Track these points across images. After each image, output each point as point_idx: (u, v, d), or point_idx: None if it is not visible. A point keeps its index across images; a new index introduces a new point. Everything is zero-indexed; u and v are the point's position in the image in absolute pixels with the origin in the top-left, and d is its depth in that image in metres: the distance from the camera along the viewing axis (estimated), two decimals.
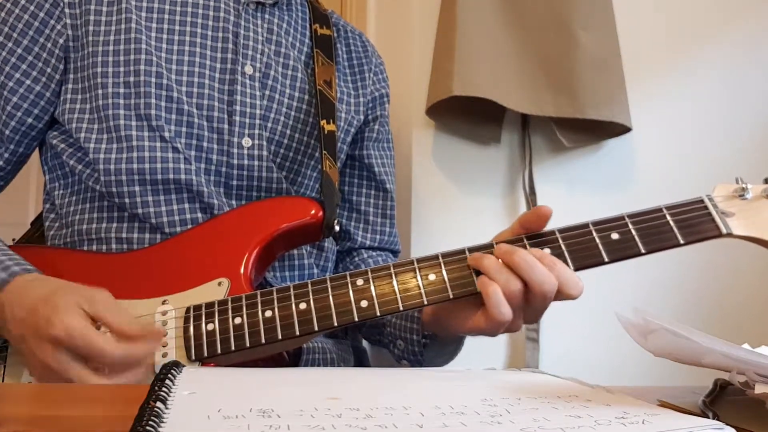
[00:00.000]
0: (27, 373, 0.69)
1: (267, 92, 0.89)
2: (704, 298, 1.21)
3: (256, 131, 0.86)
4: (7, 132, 0.85)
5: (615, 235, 0.67)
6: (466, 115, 1.21)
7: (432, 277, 0.68)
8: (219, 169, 0.85)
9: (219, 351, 0.67)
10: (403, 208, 1.23)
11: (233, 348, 0.67)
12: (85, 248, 0.83)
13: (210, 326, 0.69)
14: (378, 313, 0.67)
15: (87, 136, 0.83)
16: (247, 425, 0.35)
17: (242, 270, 0.75)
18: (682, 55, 1.25)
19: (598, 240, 0.67)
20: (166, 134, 0.82)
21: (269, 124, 0.88)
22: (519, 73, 1.16)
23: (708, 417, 0.40)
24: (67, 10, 0.84)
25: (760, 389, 0.39)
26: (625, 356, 1.11)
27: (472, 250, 0.70)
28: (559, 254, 0.68)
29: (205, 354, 0.68)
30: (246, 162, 0.85)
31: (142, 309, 0.71)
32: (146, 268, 0.77)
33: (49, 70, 0.85)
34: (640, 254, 0.67)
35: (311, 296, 0.69)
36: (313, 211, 0.80)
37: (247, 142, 0.86)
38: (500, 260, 0.66)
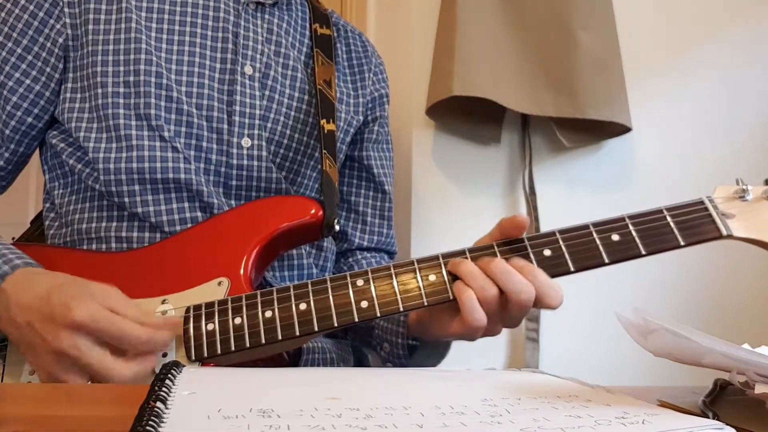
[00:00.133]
0: (27, 373, 0.69)
1: (267, 92, 0.89)
2: (704, 298, 1.21)
3: (256, 131, 0.86)
4: (7, 132, 0.85)
5: (615, 237, 0.67)
6: (466, 115, 1.21)
7: (432, 277, 0.68)
8: (218, 169, 0.85)
9: (219, 351, 0.67)
10: (403, 208, 1.23)
11: (233, 348, 0.67)
12: (85, 247, 0.83)
13: (210, 326, 0.68)
14: (378, 314, 0.67)
15: (86, 135, 0.83)
16: (247, 425, 0.35)
17: (242, 270, 0.75)
18: (682, 55, 1.25)
19: (598, 241, 0.67)
20: (166, 134, 0.82)
21: (269, 124, 0.88)
22: (519, 73, 1.16)
23: (708, 417, 0.40)
24: (66, 10, 0.84)
25: (760, 389, 0.39)
26: (625, 356, 1.11)
27: (472, 251, 0.70)
28: (559, 255, 0.68)
29: (205, 354, 0.67)
30: (245, 162, 0.85)
31: (141, 308, 0.71)
32: (146, 268, 0.77)
33: (48, 69, 0.85)
34: (640, 255, 0.67)
35: (311, 296, 0.68)
36: (313, 211, 0.80)
37: (246, 142, 0.86)
38: (478, 266, 0.67)
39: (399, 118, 1.24)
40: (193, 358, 0.67)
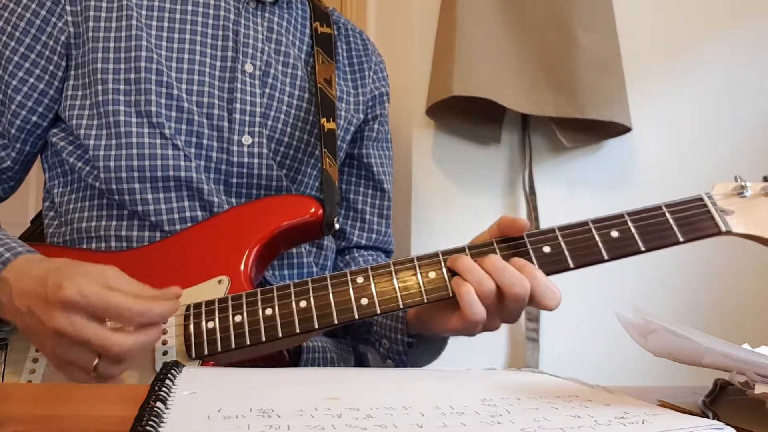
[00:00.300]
0: (27, 373, 0.69)
1: (267, 90, 0.89)
2: (704, 297, 1.21)
3: (256, 129, 0.86)
4: (12, 131, 0.85)
5: (615, 233, 0.67)
6: (466, 115, 1.21)
7: (432, 274, 0.68)
8: (219, 166, 0.85)
9: (219, 349, 0.67)
10: (403, 208, 1.23)
11: (234, 346, 0.67)
12: (85, 246, 0.83)
13: (210, 324, 0.68)
14: (378, 311, 0.67)
15: (87, 133, 0.83)
16: (247, 425, 0.35)
17: (242, 268, 0.75)
18: (682, 55, 1.25)
19: (597, 238, 0.67)
20: (167, 131, 0.82)
21: (269, 122, 0.88)
22: (519, 73, 1.16)
23: (708, 417, 0.40)
24: (68, 7, 0.84)
25: (760, 389, 0.39)
26: (625, 356, 1.12)
27: (472, 248, 0.70)
28: (558, 252, 0.68)
29: (206, 352, 0.68)
30: (246, 160, 0.85)
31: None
32: (146, 266, 0.77)
33: (51, 67, 0.85)
34: (639, 252, 0.67)
35: (311, 294, 0.69)
36: (313, 209, 0.80)
37: (247, 139, 0.86)
38: (475, 262, 0.67)
39: (399, 117, 1.24)
40: (194, 356, 0.68)
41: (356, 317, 0.67)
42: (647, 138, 1.23)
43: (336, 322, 0.67)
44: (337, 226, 0.81)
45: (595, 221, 0.68)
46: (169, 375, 0.46)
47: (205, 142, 0.84)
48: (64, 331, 0.60)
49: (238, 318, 0.68)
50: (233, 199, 0.86)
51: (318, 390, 0.48)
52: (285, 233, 0.79)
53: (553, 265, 0.68)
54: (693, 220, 0.67)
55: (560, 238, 0.68)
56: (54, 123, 0.87)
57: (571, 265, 0.67)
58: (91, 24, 0.84)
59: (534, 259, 0.68)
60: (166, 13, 0.86)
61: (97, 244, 0.82)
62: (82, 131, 0.83)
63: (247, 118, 0.86)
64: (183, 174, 0.82)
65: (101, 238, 0.82)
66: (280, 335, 0.67)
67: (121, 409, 0.45)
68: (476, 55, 1.14)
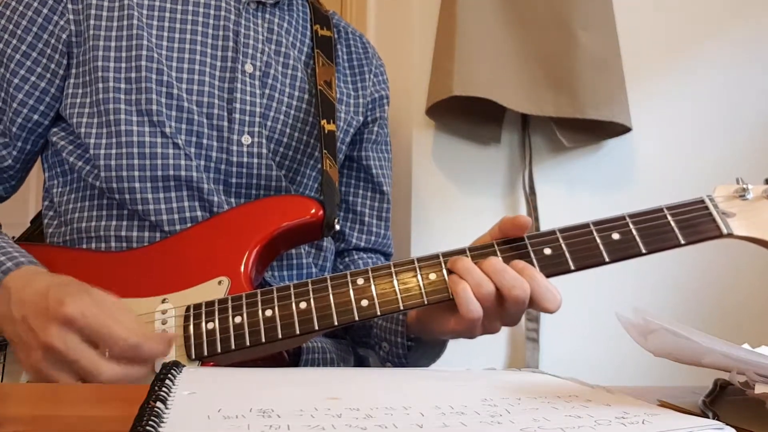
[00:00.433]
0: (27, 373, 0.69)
1: (267, 91, 0.89)
2: (704, 298, 1.21)
3: (256, 129, 0.86)
4: (14, 129, 0.85)
5: (616, 235, 0.67)
6: (466, 115, 1.21)
7: (433, 276, 0.68)
8: (218, 166, 0.85)
9: (219, 350, 0.67)
10: (403, 208, 1.23)
11: (233, 347, 0.67)
12: (84, 246, 0.83)
13: (210, 325, 0.68)
14: (378, 313, 0.67)
15: (87, 131, 0.83)
16: (247, 425, 0.35)
17: (242, 269, 0.75)
18: (682, 55, 1.25)
19: (598, 240, 0.67)
20: (167, 130, 0.82)
21: (269, 123, 0.88)
22: (519, 73, 1.16)
23: (708, 417, 0.40)
24: (69, 6, 0.84)
25: (760, 389, 0.39)
26: (625, 356, 1.11)
27: (473, 249, 0.70)
28: (559, 254, 0.68)
29: (205, 353, 0.68)
30: (245, 159, 0.85)
31: (141, 308, 0.71)
32: (146, 267, 0.77)
33: (53, 66, 0.85)
34: (640, 254, 0.67)
35: (311, 295, 0.69)
36: (313, 210, 0.80)
37: (246, 139, 0.86)
38: (475, 264, 0.67)
39: (399, 118, 1.24)
40: (193, 356, 0.67)
41: (356, 318, 0.67)
42: (647, 138, 1.23)
43: (336, 323, 0.67)
44: (337, 227, 0.81)
45: (596, 223, 0.68)
46: (169, 375, 0.46)
47: (204, 141, 0.84)
48: (56, 347, 0.60)
49: (238, 319, 0.68)
50: (233, 199, 0.86)
51: (318, 390, 0.48)
52: (285, 234, 0.79)
53: (554, 267, 0.68)
54: (694, 223, 0.67)
55: (561, 240, 0.68)
56: (55, 122, 0.87)
57: (572, 267, 0.67)
58: (92, 23, 0.84)
59: (535, 261, 0.68)
60: (167, 13, 0.86)
61: (97, 244, 0.82)
62: (83, 130, 0.83)
63: (247, 118, 0.86)
64: (183, 173, 0.82)
65: (101, 238, 0.82)
66: (280, 336, 0.67)
67: (121, 409, 0.45)
68: (476, 55, 1.14)
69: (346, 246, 0.99)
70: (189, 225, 0.82)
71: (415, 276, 0.69)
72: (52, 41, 0.84)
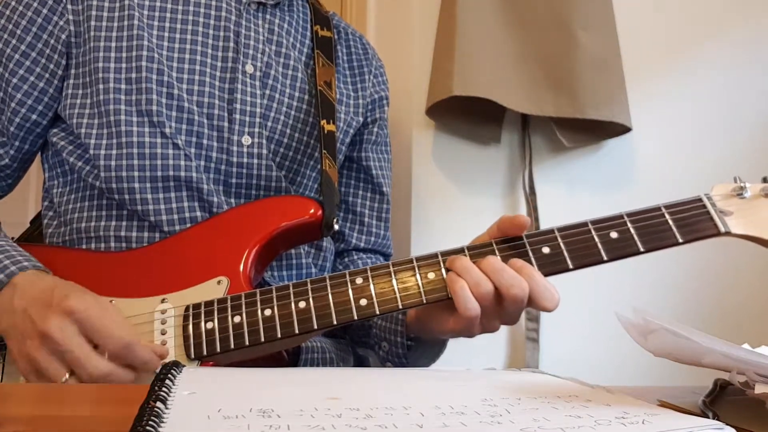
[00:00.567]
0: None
1: (267, 91, 0.89)
2: (704, 298, 1.21)
3: (256, 129, 0.86)
4: (12, 129, 0.85)
5: (614, 234, 0.67)
6: (466, 115, 1.21)
7: (431, 275, 0.68)
8: (218, 166, 0.85)
9: (218, 350, 0.67)
10: (403, 208, 1.23)
11: (233, 346, 0.67)
12: (84, 246, 0.83)
13: (209, 325, 0.68)
14: (377, 312, 0.67)
15: (87, 132, 0.83)
16: (247, 425, 0.35)
17: (241, 268, 0.75)
18: (682, 55, 1.25)
19: (597, 239, 0.67)
20: (167, 130, 0.82)
21: (269, 123, 0.88)
22: (519, 73, 1.16)
23: (708, 417, 0.40)
24: (69, 6, 0.84)
25: (760, 389, 0.39)
26: (625, 356, 1.11)
27: (471, 248, 0.70)
28: (558, 253, 0.68)
29: (205, 353, 0.68)
30: (245, 160, 0.85)
31: (141, 308, 0.71)
32: (145, 267, 0.77)
33: (52, 66, 0.85)
34: (638, 253, 0.67)
35: (310, 295, 0.69)
36: (312, 210, 0.80)
37: (246, 140, 0.86)
38: (473, 263, 0.67)
39: (399, 118, 1.24)
40: (193, 356, 0.68)
41: (355, 318, 0.67)
42: (647, 138, 1.23)
43: (335, 322, 0.67)
44: (336, 227, 0.82)
45: (594, 222, 0.69)
46: (169, 375, 0.46)
47: (205, 142, 0.84)
48: (52, 334, 0.62)
49: (237, 319, 0.68)
50: (233, 200, 0.86)
51: (318, 390, 0.48)
52: (284, 234, 0.79)
53: (553, 266, 0.68)
54: (692, 221, 0.67)
55: (559, 239, 0.68)
56: (54, 122, 0.87)
57: (571, 266, 0.67)
58: (92, 23, 0.84)
59: (533, 260, 0.68)
60: (168, 14, 0.86)
61: (97, 245, 0.82)
62: (83, 130, 0.83)
63: (247, 119, 0.86)
64: (183, 174, 0.82)
65: (101, 239, 0.82)
66: (279, 336, 0.67)
67: (121, 409, 0.45)
68: (476, 55, 1.14)
69: (346, 246, 0.99)
70: (188, 225, 0.82)
71: (414, 275, 0.69)
72: (51, 41, 0.84)
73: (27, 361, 0.64)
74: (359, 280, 0.69)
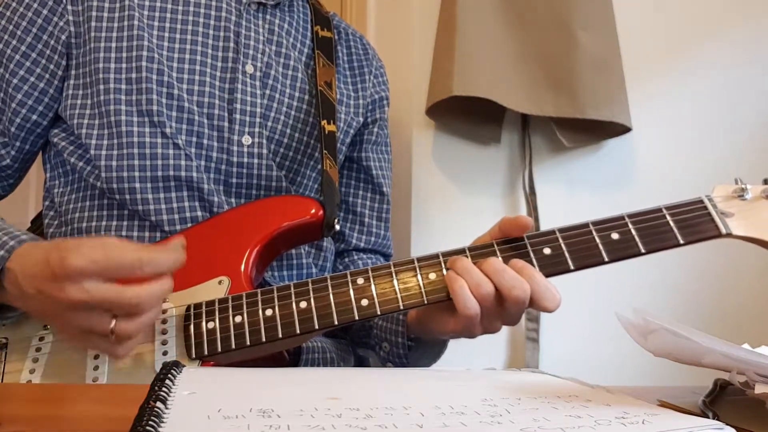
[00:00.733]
0: (27, 372, 0.69)
1: (267, 91, 0.89)
2: (704, 298, 1.21)
3: (256, 129, 0.87)
4: (12, 129, 0.85)
5: (615, 235, 0.67)
6: (466, 115, 1.21)
7: (433, 276, 0.68)
8: (219, 166, 0.85)
9: (219, 349, 0.67)
10: (403, 208, 1.23)
11: (234, 346, 0.67)
12: None
13: (210, 324, 0.69)
14: (379, 312, 0.67)
15: (88, 132, 0.83)
16: (247, 425, 0.35)
17: (243, 268, 0.75)
18: (682, 55, 1.25)
19: (598, 240, 0.67)
20: (168, 130, 0.82)
21: (269, 123, 0.88)
22: (519, 73, 1.16)
23: (708, 417, 0.40)
24: (69, 7, 0.85)
25: (760, 389, 0.39)
26: (625, 356, 1.11)
27: (472, 249, 0.70)
28: (559, 254, 0.68)
29: (206, 352, 0.68)
30: (246, 160, 0.86)
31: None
32: None
33: (52, 66, 0.85)
34: (640, 254, 0.67)
35: (312, 295, 0.69)
36: (313, 210, 0.80)
37: (247, 140, 0.86)
38: (474, 264, 0.67)
39: (399, 118, 1.24)
40: (194, 356, 0.68)
41: (356, 318, 0.68)
42: (647, 138, 1.23)
43: (336, 322, 0.68)
44: (337, 227, 0.82)
45: (595, 223, 0.69)
46: (169, 375, 0.46)
47: (205, 141, 0.84)
48: (79, 299, 0.59)
49: (238, 318, 0.68)
50: (233, 200, 0.86)
51: (318, 390, 0.48)
52: (285, 234, 0.79)
53: (554, 267, 0.68)
54: (693, 223, 0.67)
55: (561, 240, 0.68)
56: (54, 123, 0.87)
57: (572, 267, 0.67)
58: (92, 24, 0.84)
59: (534, 260, 0.68)
60: (168, 14, 0.86)
61: None
62: (83, 131, 0.83)
63: (247, 119, 0.86)
64: (183, 173, 0.82)
65: None
66: (281, 336, 0.67)
67: (121, 409, 0.45)
68: (476, 55, 1.14)
69: (346, 246, 0.99)
70: (189, 225, 0.82)
71: (415, 276, 0.69)
72: (51, 42, 0.84)
73: (70, 330, 0.63)
74: (360, 281, 0.69)
